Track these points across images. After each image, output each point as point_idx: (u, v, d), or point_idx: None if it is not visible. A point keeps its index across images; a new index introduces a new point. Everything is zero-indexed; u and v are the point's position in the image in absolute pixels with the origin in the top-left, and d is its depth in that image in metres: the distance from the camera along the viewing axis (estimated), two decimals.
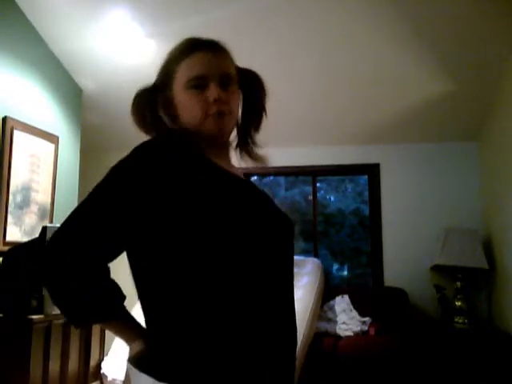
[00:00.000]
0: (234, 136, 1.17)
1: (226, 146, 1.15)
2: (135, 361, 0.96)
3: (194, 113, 1.05)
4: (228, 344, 0.91)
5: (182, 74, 1.06)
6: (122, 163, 0.95)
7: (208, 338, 0.91)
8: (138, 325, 1.00)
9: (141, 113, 1.10)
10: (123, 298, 0.97)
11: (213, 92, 1.04)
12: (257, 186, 1.13)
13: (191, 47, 1.08)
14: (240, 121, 1.17)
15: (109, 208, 0.92)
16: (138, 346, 0.97)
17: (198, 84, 1.04)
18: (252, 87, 1.16)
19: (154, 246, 0.95)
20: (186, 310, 0.92)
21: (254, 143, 1.18)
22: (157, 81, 1.12)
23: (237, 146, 1.18)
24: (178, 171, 0.94)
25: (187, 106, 1.06)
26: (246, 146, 1.18)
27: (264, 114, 1.18)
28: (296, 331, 1.03)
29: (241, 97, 1.14)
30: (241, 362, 0.91)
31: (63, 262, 0.90)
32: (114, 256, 0.95)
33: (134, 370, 0.96)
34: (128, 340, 0.99)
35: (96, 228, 0.91)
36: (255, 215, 0.99)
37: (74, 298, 0.92)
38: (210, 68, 1.05)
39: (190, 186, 0.93)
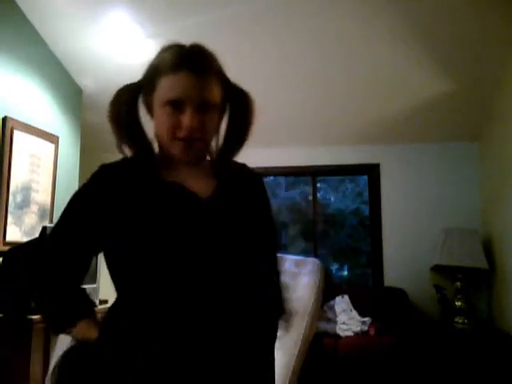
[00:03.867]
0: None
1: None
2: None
3: (163, 131, 1.05)
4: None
5: (163, 89, 1.05)
6: (79, 190, 1.11)
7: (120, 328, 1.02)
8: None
9: (116, 109, 1.14)
10: (91, 305, 1.13)
11: (187, 118, 1.02)
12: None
13: (179, 63, 1.04)
14: (223, 137, 1.13)
15: (71, 230, 1.08)
16: None
17: (175, 105, 1.03)
18: (240, 107, 1.12)
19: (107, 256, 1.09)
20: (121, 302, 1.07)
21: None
22: (141, 81, 1.12)
23: (216, 157, 1.14)
24: (120, 196, 1.05)
25: (160, 122, 1.06)
26: (227, 160, 1.15)
27: (248, 135, 1.13)
28: (235, 314, 1.02)
29: (227, 111, 1.12)
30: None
31: (37, 279, 1.10)
32: (82, 266, 1.12)
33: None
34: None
35: (62, 247, 1.09)
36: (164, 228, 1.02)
37: (49, 308, 1.12)
38: (190, 92, 1.02)
39: (123, 210, 1.04)
